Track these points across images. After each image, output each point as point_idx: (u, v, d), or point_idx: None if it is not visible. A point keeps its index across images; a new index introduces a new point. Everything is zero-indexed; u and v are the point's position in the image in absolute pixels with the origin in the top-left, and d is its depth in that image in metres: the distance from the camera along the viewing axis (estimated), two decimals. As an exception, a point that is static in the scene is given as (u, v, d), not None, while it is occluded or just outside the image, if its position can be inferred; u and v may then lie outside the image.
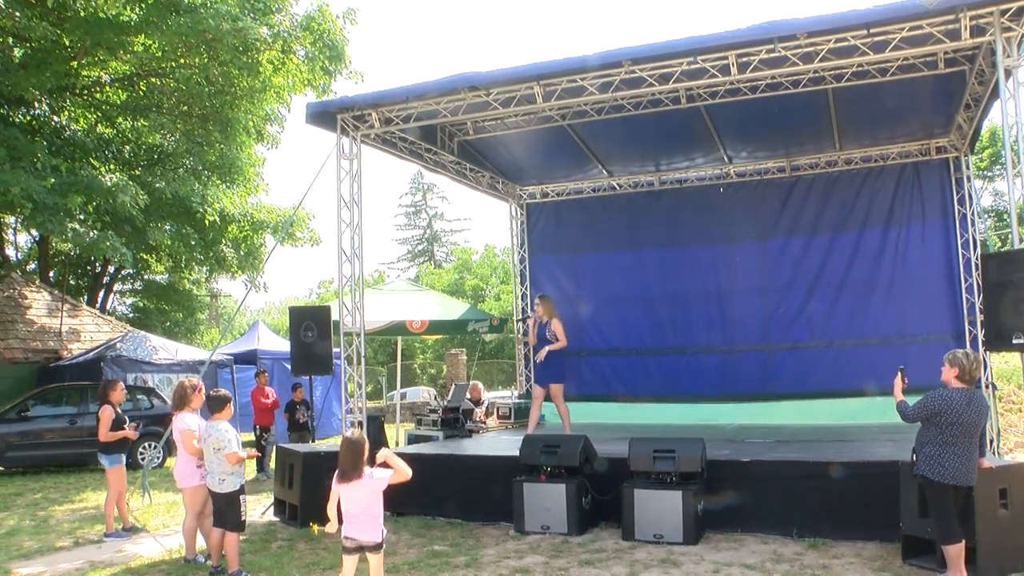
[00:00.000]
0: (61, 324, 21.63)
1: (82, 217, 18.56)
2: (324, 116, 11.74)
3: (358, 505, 6.17)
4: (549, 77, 10.41)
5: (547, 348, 11.81)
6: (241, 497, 7.90)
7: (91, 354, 19.13)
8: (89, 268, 29.51)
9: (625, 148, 14.75)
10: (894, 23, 8.96)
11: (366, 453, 6.30)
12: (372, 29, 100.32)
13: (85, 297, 28.15)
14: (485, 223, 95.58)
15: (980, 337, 12.37)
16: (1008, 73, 8.64)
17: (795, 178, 14.66)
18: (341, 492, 6.22)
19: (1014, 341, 8.06)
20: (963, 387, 6.79)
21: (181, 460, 8.33)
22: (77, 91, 19.55)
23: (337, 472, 6.25)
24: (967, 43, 8.90)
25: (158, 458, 15.99)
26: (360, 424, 11.69)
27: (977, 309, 12.63)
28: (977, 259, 12.84)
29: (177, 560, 8.63)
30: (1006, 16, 8.52)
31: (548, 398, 12.14)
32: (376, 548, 6.21)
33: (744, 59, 9.64)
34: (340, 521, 6.25)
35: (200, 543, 8.53)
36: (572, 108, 12.80)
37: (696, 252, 15.04)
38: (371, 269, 62.26)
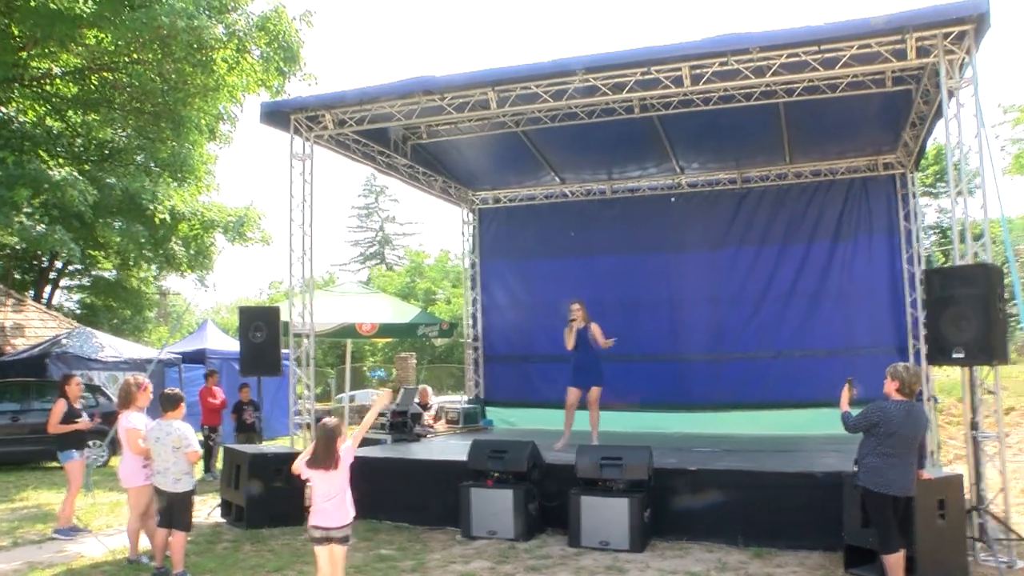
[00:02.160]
0: (5, 319, 21.22)
1: (29, 211, 18.23)
2: (278, 116, 11.70)
3: (332, 490, 6.17)
4: (503, 83, 10.46)
5: (610, 340, 11.47)
6: (192, 497, 7.84)
7: (36, 350, 18.77)
8: (35, 263, 29.00)
9: (578, 156, 14.84)
10: (844, 41, 9.14)
11: (337, 439, 6.30)
12: (328, 31, 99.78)
13: (31, 292, 27.65)
14: (437, 227, 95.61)
15: (923, 351, 12.62)
16: (951, 94, 8.86)
17: (746, 190, 14.85)
18: (315, 479, 6.21)
19: (954, 355, 8.22)
20: (903, 399, 6.93)
21: (126, 459, 8.23)
22: (26, 82, 19.19)
23: (310, 459, 6.24)
24: (913, 63, 9.14)
25: (102, 457, 15.74)
26: (308, 426, 11.63)
27: (920, 323, 12.87)
28: (921, 274, 13.10)
29: (120, 561, 8.51)
30: (949, 39, 8.74)
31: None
32: (343, 540, 6.23)
33: (697, 71, 9.78)
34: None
35: (144, 544, 8.42)
36: (526, 115, 12.84)
37: (647, 260, 15.14)
38: (322, 271, 62.05)
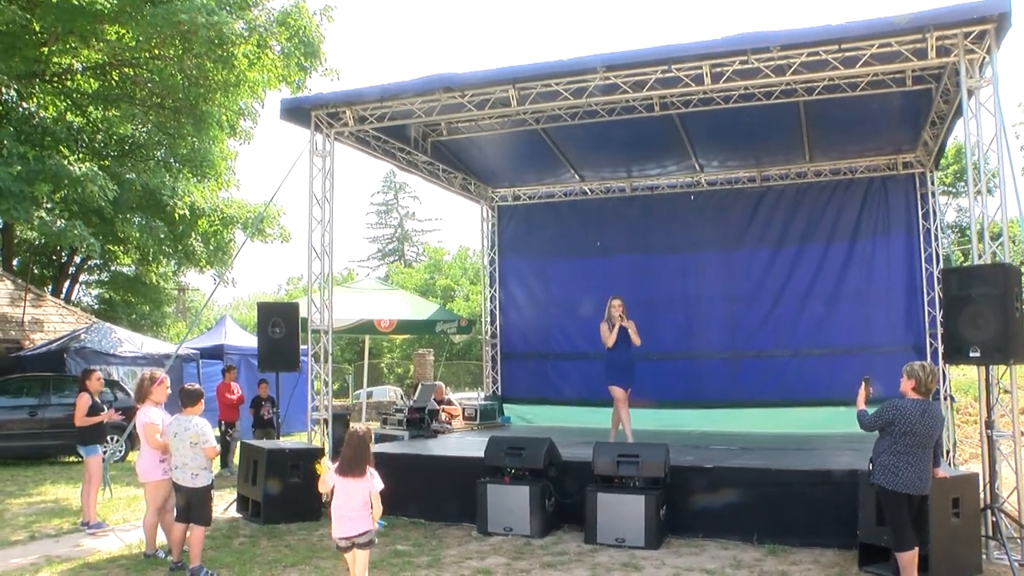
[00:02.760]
0: (24, 314, 21.38)
1: (49, 206, 18.37)
2: (298, 112, 11.74)
3: (354, 500, 6.21)
4: (524, 81, 10.47)
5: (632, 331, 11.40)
6: (211, 491, 7.90)
7: (54, 345, 18.90)
8: (55, 258, 29.17)
9: (598, 154, 14.85)
10: (864, 40, 9.11)
11: (371, 449, 6.33)
12: (349, 27, 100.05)
13: (50, 287, 27.81)
14: (456, 224, 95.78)
15: (940, 350, 12.58)
16: (971, 93, 8.82)
17: (765, 188, 14.84)
18: (338, 485, 6.25)
19: (971, 355, 8.21)
20: (919, 398, 6.93)
21: (144, 454, 8.30)
22: (47, 78, 19.34)
23: (338, 465, 6.28)
24: (933, 62, 9.10)
25: (120, 452, 15.86)
26: (325, 422, 11.69)
27: (938, 322, 12.83)
28: (939, 273, 13.05)
29: (137, 555, 8.58)
30: (969, 39, 8.70)
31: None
32: (367, 544, 6.27)
33: (718, 69, 9.76)
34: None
35: (160, 538, 8.49)
36: (546, 112, 12.83)
37: (665, 259, 15.14)
38: (341, 267, 62.13)
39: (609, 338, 11.44)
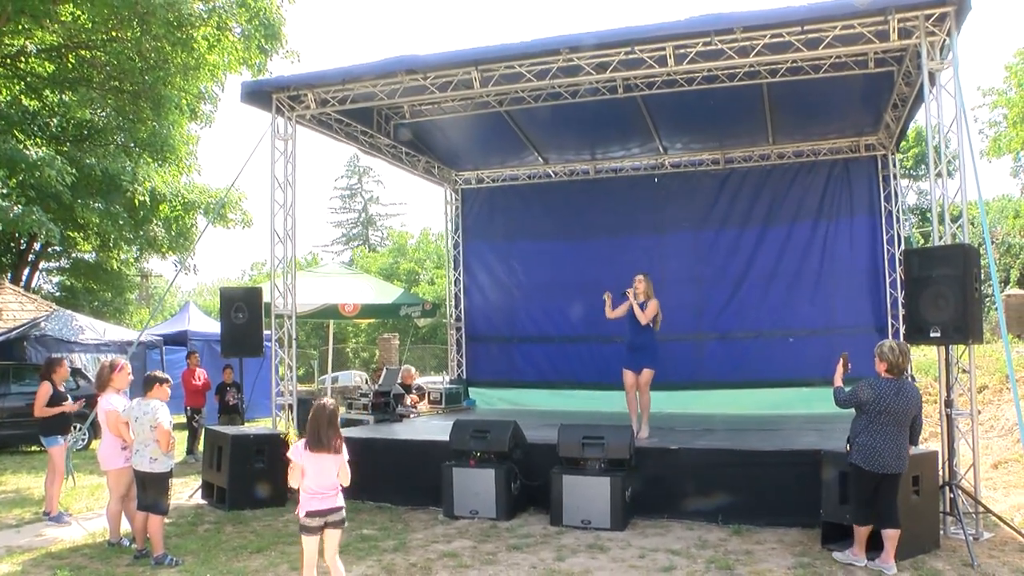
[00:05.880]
0: (-18, 302, 21.03)
1: (4, 191, 18.04)
2: (259, 95, 11.61)
3: (325, 477, 6.03)
4: (487, 63, 10.42)
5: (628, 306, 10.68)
6: (170, 480, 7.82)
7: (14, 333, 18.59)
8: (13, 245, 28.69)
9: (561, 136, 14.84)
10: (827, 21, 9.16)
11: (339, 421, 6.22)
12: (310, 8, 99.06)
13: (8, 274, 27.35)
14: (421, 208, 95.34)
15: (901, 330, 12.72)
16: (932, 76, 8.88)
17: (729, 170, 14.89)
18: (308, 463, 6.02)
19: (931, 335, 8.31)
20: (893, 378, 7.04)
21: (105, 442, 8.22)
22: (-1, 60, 18.96)
23: (307, 440, 6.07)
24: (895, 44, 9.14)
25: (83, 440, 15.67)
26: (290, 407, 11.62)
27: (899, 303, 12.97)
28: (900, 255, 13.19)
29: (101, 544, 8.49)
30: (930, 21, 8.77)
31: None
32: (339, 523, 6.08)
33: (681, 51, 9.76)
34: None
35: (125, 526, 8.41)
36: (509, 94, 12.80)
37: (629, 241, 15.12)
38: (305, 252, 61.69)
39: (611, 312, 10.87)
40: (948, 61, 8.79)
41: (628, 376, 10.81)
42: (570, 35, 9.91)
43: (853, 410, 7.31)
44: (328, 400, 6.34)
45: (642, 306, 10.65)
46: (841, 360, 7.67)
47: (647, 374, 10.68)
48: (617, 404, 13.81)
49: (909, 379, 7.66)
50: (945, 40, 8.77)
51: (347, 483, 6.17)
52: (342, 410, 14.77)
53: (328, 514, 6.04)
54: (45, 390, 9.78)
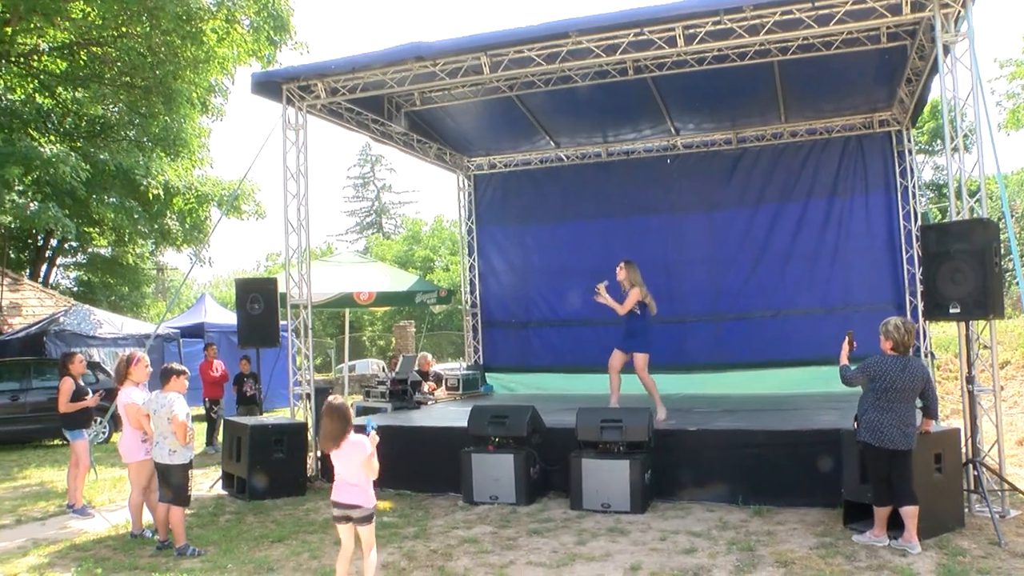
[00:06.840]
0: (1, 298, 21.19)
1: (20, 188, 18.14)
2: (269, 86, 11.60)
3: (350, 465, 6.03)
4: (496, 48, 10.36)
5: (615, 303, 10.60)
6: (189, 471, 7.85)
7: (33, 329, 18.78)
8: (31, 241, 28.91)
9: (572, 119, 14.76)
10: (838, -4, 9.05)
11: (351, 417, 6.23)
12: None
13: (27, 271, 27.58)
14: (434, 195, 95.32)
15: (919, 307, 12.65)
16: (947, 49, 8.75)
17: (741, 150, 14.78)
18: (335, 459, 6.09)
19: (951, 311, 8.21)
20: (898, 355, 7.01)
21: (126, 435, 8.25)
22: (12, 59, 19.01)
23: (322, 440, 6.13)
24: (908, 18, 9.02)
25: (104, 433, 15.78)
26: (308, 396, 11.65)
27: (917, 280, 12.88)
28: (917, 231, 13.09)
29: (123, 535, 8.54)
30: (944, -8, 8.64)
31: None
32: (365, 519, 6.04)
33: (691, 31, 9.66)
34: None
35: (147, 518, 8.46)
36: (519, 79, 12.74)
37: (643, 223, 15.07)
38: (319, 241, 61.94)
39: (606, 300, 10.74)
40: (963, 33, 8.66)
41: (615, 356, 10.77)
42: (579, 18, 9.84)
43: (860, 388, 7.29)
44: (336, 397, 6.36)
45: (624, 295, 10.62)
46: (847, 338, 7.63)
47: (640, 358, 10.60)
48: (635, 386, 13.84)
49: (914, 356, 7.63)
50: (960, 11, 8.63)
51: (374, 476, 6.15)
52: (359, 398, 14.85)
53: (349, 510, 6.03)
54: (68, 385, 9.82)
